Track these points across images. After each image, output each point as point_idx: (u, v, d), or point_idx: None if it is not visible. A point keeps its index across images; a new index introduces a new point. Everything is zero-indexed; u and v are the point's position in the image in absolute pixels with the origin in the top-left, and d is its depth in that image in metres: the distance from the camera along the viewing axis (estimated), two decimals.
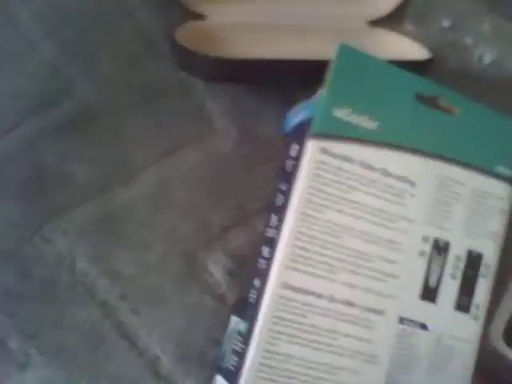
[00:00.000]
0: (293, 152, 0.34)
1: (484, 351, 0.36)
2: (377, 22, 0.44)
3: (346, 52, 0.33)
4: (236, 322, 0.34)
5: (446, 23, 0.45)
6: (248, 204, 0.38)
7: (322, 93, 0.32)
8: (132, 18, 0.39)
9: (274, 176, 0.38)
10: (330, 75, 0.32)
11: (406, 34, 0.42)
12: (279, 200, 0.33)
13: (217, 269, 0.37)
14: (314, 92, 0.33)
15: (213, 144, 0.38)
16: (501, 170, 0.36)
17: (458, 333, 0.35)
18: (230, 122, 0.39)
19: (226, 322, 0.34)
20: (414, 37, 0.42)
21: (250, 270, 0.34)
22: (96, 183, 0.36)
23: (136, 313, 0.36)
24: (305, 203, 0.32)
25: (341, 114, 0.32)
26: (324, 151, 0.32)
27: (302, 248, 0.32)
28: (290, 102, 0.39)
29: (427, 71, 0.39)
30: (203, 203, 0.37)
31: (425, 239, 0.34)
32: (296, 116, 0.36)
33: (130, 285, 0.36)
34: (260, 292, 0.32)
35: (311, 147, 0.32)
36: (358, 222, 0.33)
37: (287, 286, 0.31)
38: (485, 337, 0.36)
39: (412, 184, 0.34)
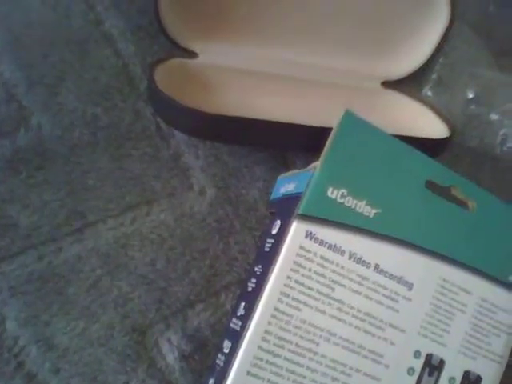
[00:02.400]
0: (274, 229, 0.29)
1: None
2: (392, 84, 0.40)
3: (352, 121, 0.29)
4: None
5: (469, 94, 0.41)
6: (217, 277, 0.33)
7: (316, 167, 0.28)
8: (109, 44, 0.34)
9: (251, 248, 0.34)
10: (328, 147, 0.28)
11: (424, 101, 0.38)
12: (251, 285, 0.29)
13: (170, 351, 0.32)
14: (311, 158, 0.29)
15: (185, 202, 0.33)
16: None
17: None
18: (208, 178, 0.34)
19: None
20: (432, 106, 0.37)
21: (206, 361, 0.29)
22: (40, 232, 0.31)
23: None
24: (278, 296, 0.27)
25: (335, 194, 0.28)
26: (309, 236, 0.27)
27: (269, 351, 0.27)
28: (281, 162, 0.35)
29: (443, 148, 0.35)
30: (165, 270, 0.32)
31: (416, 354, 0.29)
32: (284, 186, 0.32)
33: (64, 358, 0.30)
34: None
35: (294, 229, 0.27)
36: (340, 325, 0.28)
37: None
38: None
39: (408, 286, 0.29)
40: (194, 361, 0.32)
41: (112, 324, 0.31)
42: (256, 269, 0.29)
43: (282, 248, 0.27)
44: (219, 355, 0.29)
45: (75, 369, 0.31)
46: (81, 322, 0.31)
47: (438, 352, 0.30)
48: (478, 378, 0.30)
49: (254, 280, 0.29)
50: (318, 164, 0.28)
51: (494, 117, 0.41)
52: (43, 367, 0.31)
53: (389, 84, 0.40)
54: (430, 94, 0.40)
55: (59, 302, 0.31)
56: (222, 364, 0.28)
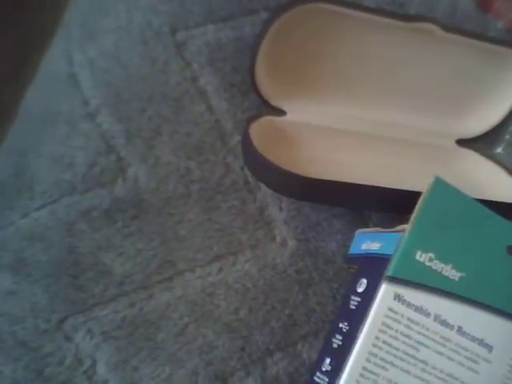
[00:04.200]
0: (360, 287, 0.31)
1: None
2: (467, 143, 0.41)
3: (440, 188, 0.30)
4: None
5: None
6: (296, 327, 0.35)
7: (406, 230, 0.30)
8: (204, 100, 0.36)
9: (328, 299, 0.36)
10: (417, 211, 0.30)
11: (499, 161, 0.39)
12: (337, 342, 0.30)
13: None
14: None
15: (268, 253, 0.35)
16: None
17: None
18: (291, 231, 0.36)
19: None
20: (506, 167, 0.39)
21: None
22: (132, 280, 0.33)
23: None
24: (367, 356, 0.29)
25: (423, 258, 0.30)
26: (398, 298, 0.29)
27: None
28: (358, 217, 0.37)
29: None
30: (247, 319, 0.34)
31: None
32: (366, 243, 0.33)
33: None
34: None
35: (384, 291, 0.29)
36: None
37: None
38: None
39: (488, 348, 0.31)
40: None
41: (196, 371, 0.33)
42: (341, 325, 0.31)
43: (371, 309, 0.29)
44: None
45: None
46: (167, 367, 0.33)
47: None
48: None
49: (339, 337, 0.31)
50: (406, 227, 0.30)
51: None
52: None
53: (463, 143, 0.42)
54: (503, 153, 0.41)
55: (148, 348, 0.33)
56: None
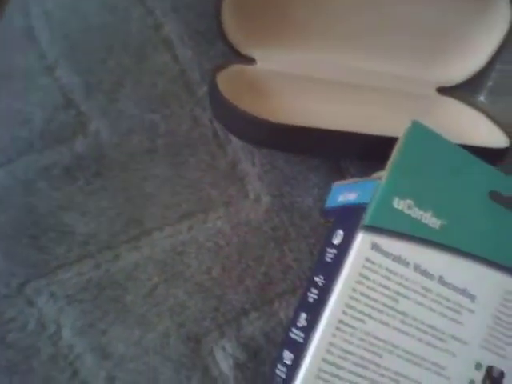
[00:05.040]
0: (336, 239, 0.29)
1: None
2: (448, 91, 0.40)
3: (419, 132, 0.29)
4: None
5: None
6: (272, 285, 0.34)
7: (382, 177, 0.29)
8: (167, 49, 0.35)
9: (305, 256, 0.35)
10: (394, 157, 0.28)
11: (481, 108, 0.38)
12: (312, 296, 0.29)
13: (225, 359, 0.32)
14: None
15: (241, 210, 0.34)
16: None
17: None
18: (265, 186, 0.35)
19: None
20: (489, 113, 0.38)
21: (260, 370, 0.30)
22: (97, 240, 0.32)
23: None
24: (343, 308, 0.27)
25: (401, 205, 0.28)
26: (375, 248, 0.28)
27: (333, 364, 0.27)
28: (335, 169, 0.36)
29: (502, 158, 0.35)
30: (220, 278, 0.33)
31: (477, 366, 0.30)
32: (343, 194, 0.32)
33: (119, 366, 0.31)
34: None
35: (361, 241, 0.28)
36: (403, 338, 0.28)
37: None
38: None
39: (471, 298, 0.30)
40: (247, 369, 0.32)
41: (168, 332, 0.32)
42: (317, 279, 0.30)
43: (347, 259, 0.28)
44: (280, 366, 0.29)
45: (130, 377, 0.31)
46: (137, 330, 0.32)
47: (499, 364, 0.30)
48: None
49: (315, 291, 0.29)
50: (383, 174, 0.29)
51: None
52: (98, 376, 0.31)
53: (444, 90, 0.40)
54: (484, 101, 0.40)
55: (116, 311, 0.32)
56: (283, 376, 0.29)
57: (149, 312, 0.32)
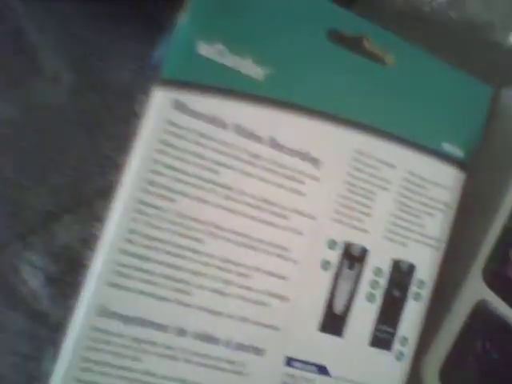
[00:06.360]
0: (138, 108, 0.24)
1: None
2: None
3: None
4: None
5: None
6: (87, 181, 0.28)
7: (180, 17, 0.23)
8: None
9: (126, 143, 0.29)
10: None
11: None
12: (113, 180, 0.24)
13: (33, 275, 0.27)
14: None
15: (35, 92, 0.27)
16: (447, 148, 0.27)
17: (374, 378, 0.26)
18: (63, 59, 0.28)
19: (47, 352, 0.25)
20: None
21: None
22: None
23: None
24: (142, 185, 0.22)
25: (208, 51, 0.23)
26: (180, 107, 0.22)
27: (136, 255, 0.22)
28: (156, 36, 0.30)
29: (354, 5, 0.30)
30: (15, 178, 0.27)
31: (331, 244, 0.25)
32: (159, 58, 0.26)
33: None
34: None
35: (159, 100, 0.22)
36: (229, 217, 0.23)
37: (106, 313, 0.21)
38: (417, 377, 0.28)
39: (315, 163, 0.24)
40: (65, 284, 0.27)
41: None
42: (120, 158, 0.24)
43: (143, 126, 0.22)
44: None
45: None
46: None
47: (359, 240, 0.25)
48: (411, 267, 0.26)
49: (116, 173, 0.24)
50: (183, 13, 0.23)
51: None
52: None
53: None
54: None
55: None
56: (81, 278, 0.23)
57: None
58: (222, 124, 0.23)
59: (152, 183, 0.22)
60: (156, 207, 0.22)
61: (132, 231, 0.21)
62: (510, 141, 0.30)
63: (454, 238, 0.28)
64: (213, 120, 0.23)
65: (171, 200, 0.22)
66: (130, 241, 0.21)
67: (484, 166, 0.30)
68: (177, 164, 0.22)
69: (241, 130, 0.23)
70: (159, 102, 0.22)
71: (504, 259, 0.30)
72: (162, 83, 0.22)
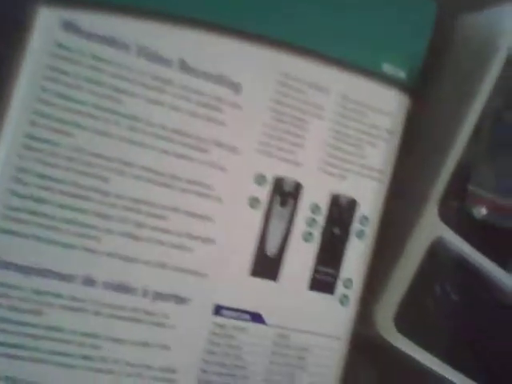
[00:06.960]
0: (22, 30, 0.21)
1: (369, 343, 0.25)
2: None
3: None
4: None
5: None
6: None
7: None
8: None
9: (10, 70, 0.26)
10: None
11: None
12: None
13: None
14: None
15: None
16: (387, 69, 0.25)
17: (316, 324, 0.24)
18: None
19: None
20: None
21: None
22: None
23: None
24: (30, 117, 0.19)
25: None
26: (70, 28, 0.20)
27: (28, 197, 0.19)
28: None
29: None
30: None
31: (258, 180, 0.22)
32: None
33: None
34: None
35: (44, 20, 0.20)
36: (138, 151, 0.20)
37: (1, 264, 0.19)
38: (369, 324, 0.26)
39: (235, 88, 0.22)
40: None
41: None
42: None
43: (26, 50, 0.20)
44: None
45: None
46: None
47: (291, 174, 0.23)
48: (352, 203, 0.24)
49: None
50: None
51: None
52: None
53: None
54: None
55: None
56: None
57: None
58: (121, 46, 0.20)
59: (41, 114, 0.19)
60: (48, 142, 0.19)
61: (21, 170, 0.19)
62: (468, 69, 0.27)
63: (406, 173, 0.25)
64: (111, 41, 0.20)
65: (65, 133, 0.19)
66: (19, 180, 0.19)
67: (442, 97, 0.28)
68: (70, 92, 0.19)
69: (145, 52, 0.20)
70: (45, 23, 0.19)
71: (461, 194, 0.28)
72: (46, 0, 0.19)
